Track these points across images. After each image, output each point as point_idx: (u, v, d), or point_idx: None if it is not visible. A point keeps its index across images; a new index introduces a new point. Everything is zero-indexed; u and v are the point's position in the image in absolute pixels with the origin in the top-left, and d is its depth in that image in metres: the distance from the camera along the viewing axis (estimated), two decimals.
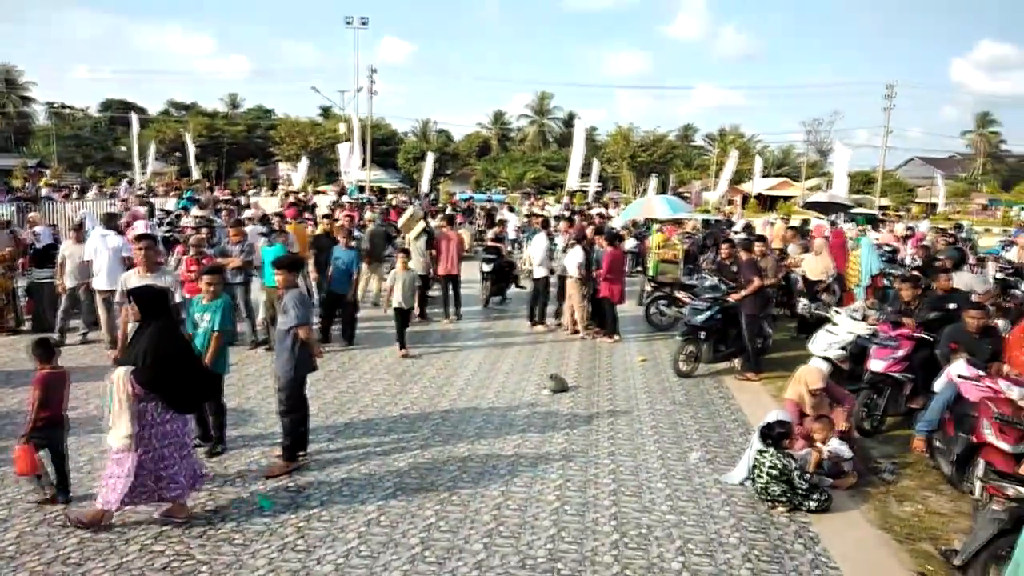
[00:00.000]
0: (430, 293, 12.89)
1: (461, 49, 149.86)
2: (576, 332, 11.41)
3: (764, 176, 53.23)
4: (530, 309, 12.04)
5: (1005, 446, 5.36)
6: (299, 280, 6.32)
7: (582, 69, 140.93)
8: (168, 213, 19.42)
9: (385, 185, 51.29)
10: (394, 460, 6.23)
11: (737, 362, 9.50)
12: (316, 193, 35.17)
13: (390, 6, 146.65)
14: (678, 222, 17.55)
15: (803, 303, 11.00)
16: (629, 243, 17.23)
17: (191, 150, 45.99)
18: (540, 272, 11.76)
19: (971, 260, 14.40)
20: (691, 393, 8.59)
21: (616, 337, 11.13)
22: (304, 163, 41.99)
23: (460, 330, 11.68)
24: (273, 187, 43.70)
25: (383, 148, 60.76)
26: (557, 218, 15.89)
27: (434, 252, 12.19)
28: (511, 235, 18.29)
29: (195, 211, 17.90)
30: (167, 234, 14.96)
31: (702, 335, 9.35)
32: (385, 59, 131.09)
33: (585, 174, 41.64)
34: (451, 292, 12.30)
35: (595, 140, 65.35)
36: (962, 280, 9.18)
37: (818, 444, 6.01)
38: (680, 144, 70.03)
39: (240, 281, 9.82)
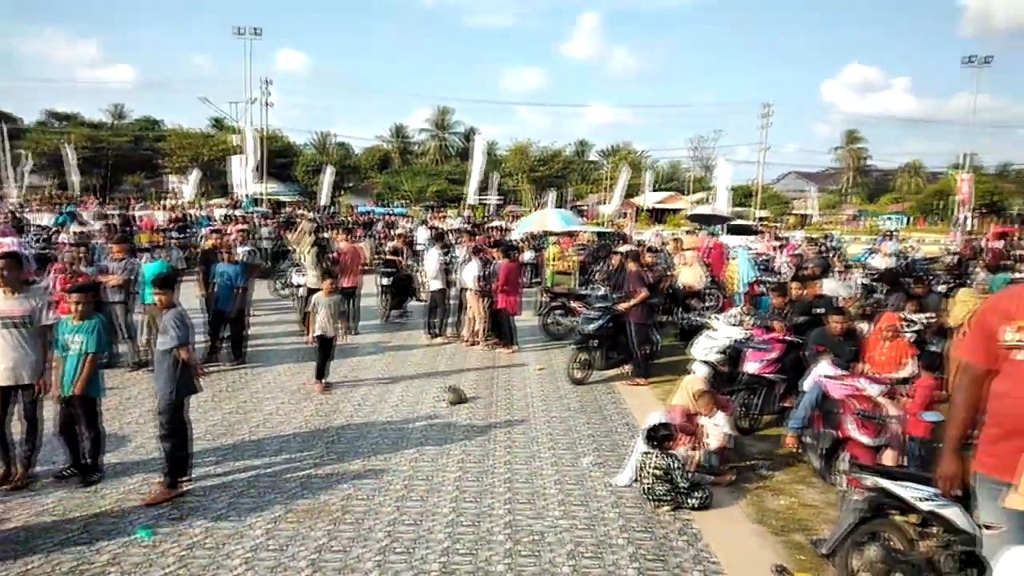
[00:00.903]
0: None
1: (361, 63, 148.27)
2: (475, 343, 11.49)
3: (655, 190, 55.49)
4: (427, 322, 12.03)
5: (866, 439, 5.83)
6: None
7: (483, 85, 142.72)
8: (44, 229, 18.15)
9: (282, 198, 49.84)
10: (284, 481, 6.06)
11: (628, 368, 9.85)
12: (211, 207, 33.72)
13: (288, 18, 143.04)
14: (572, 234, 18.03)
15: (680, 313, 11.54)
16: (527, 255, 17.54)
17: (71, 162, 43.05)
18: (436, 284, 11.78)
19: (839, 267, 15.55)
20: (584, 399, 8.83)
21: (514, 347, 11.29)
22: (195, 176, 40.22)
23: (358, 345, 11.51)
24: (161, 200, 41.59)
25: (280, 160, 59.06)
26: (458, 231, 15.95)
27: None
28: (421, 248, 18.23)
29: (74, 227, 16.81)
30: (42, 251, 14.03)
31: (594, 343, 9.65)
32: (283, 70, 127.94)
33: (486, 188, 42.02)
34: (351, 306, 12.10)
35: (495, 155, 66.07)
36: (828, 287, 9.91)
37: (706, 422, 6.42)
38: (576, 159, 71.96)
39: (120, 300, 9.29)
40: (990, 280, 12.18)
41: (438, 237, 12.66)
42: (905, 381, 6.51)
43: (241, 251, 11.35)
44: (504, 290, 11.01)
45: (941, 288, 12.61)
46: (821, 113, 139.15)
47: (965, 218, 36.64)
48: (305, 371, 9.63)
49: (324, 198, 40.48)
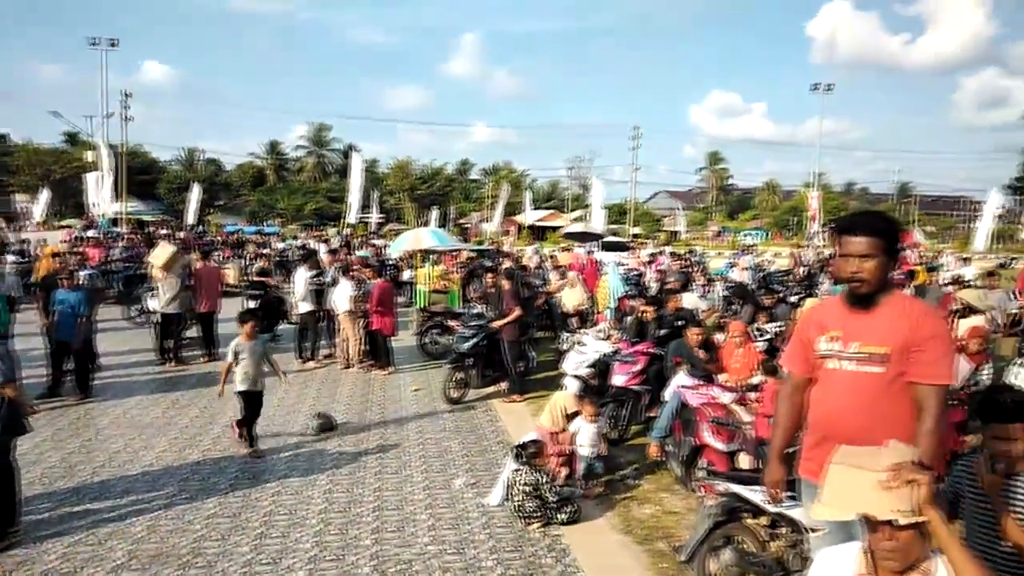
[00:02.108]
0: (189, 333, 11.93)
1: (232, 78, 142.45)
2: (349, 366, 11.16)
3: (535, 208, 56.63)
4: (298, 345, 11.57)
5: (720, 445, 6.10)
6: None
7: (364, 103, 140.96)
8: None
9: (145, 217, 46.85)
10: (129, 525, 5.58)
11: (504, 385, 9.88)
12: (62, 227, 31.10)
13: (152, 29, 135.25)
14: (455, 253, 18.03)
15: (564, 336, 11.69)
16: (406, 274, 17.33)
17: None
18: (305, 307, 11.37)
19: (702, 281, 16.39)
20: (460, 419, 8.76)
21: (390, 369, 11.07)
22: (45, 194, 37.03)
23: (220, 372, 10.86)
24: (9, 220, 37.89)
25: (142, 178, 55.49)
26: (333, 251, 15.51)
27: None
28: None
29: None
30: None
31: (470, 362, 9.62)
32: (146, 83, 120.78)
33: (367, 206, 41.34)
34: (208, 333, 11.46)
35: (376, 172, 65.28)
36: (688, 300, 10.40)
37: (585, 427, 6.55)
38: (458, 177, 72.31)
39: None
40: (833, 290, 13.21)
41: (306, 257, 12.22)
42: (756, 387, 6.88)
43: (82, 275, 10.47)
44: (379, 311, 10.78)
45: (793, 298, 13.55)
46: (688, 136, 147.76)
47: (816, 232, 39.76)
48: (159, 404, 9.00)
49: (191, 217, 38.37)
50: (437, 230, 18.03)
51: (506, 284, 9.89)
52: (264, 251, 18.38)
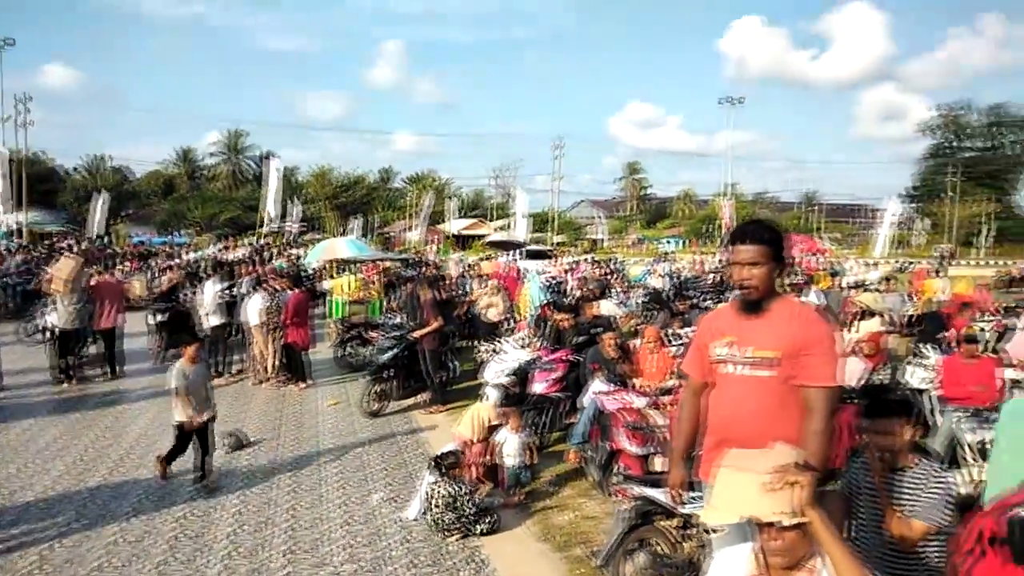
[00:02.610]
0: (91, 350, 11.33)
1: (142, 82, 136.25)
2: (263, 382, 10.81)
3: (460, 217, 56.58)
4: (207, 361, 11.11)
5: (635, 449, 6.21)
6: None
7: (283, 109, 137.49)
8: None
9: (48, 228, 44.25)
10: (19, 558, 5.21)
11: (425, 396, 9.78)
12: None
13: (53, 30, 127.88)
14: (376, 263, 17.78)
15: (484, 347, 11.66)
16: (326, 284, 16.95)
17: None
18: (215, 320, 10.95)
19: (621, 288, 16.74)
20: (379, 432, 8.61)
21: (306, 383, 10.78)
22: None
23: (124, 390, 10.35)
24: None
25: (43, 186, 52.32)
26: (242, 262, 15.01)
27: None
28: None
29: None
30: None
31: (390, 373, 9.48)
32: (46, 87, 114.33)
33: (286, 214, 40.32)
34: (113, 349, 10.89)
35: (295, 180, 63.72)
36: (605, 307, 10.59)
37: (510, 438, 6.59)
38: (381, 186, 71.48)
39: None
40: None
41: (215, 267, 11.77)
42: (669, 391, 7.05)
43: None
44: (294, 323, 10.49)
45: (707, 304, 13.99)
46: (609, 146, 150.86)
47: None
48: (56, 426, 8.48)
49: (96, 227, 36.45)
50: (354, 239, 17.77)
51: (426, 294, 9.81)
52: (173, 262, 17.58)
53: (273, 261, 19.02)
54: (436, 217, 52.23)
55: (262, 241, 32.16)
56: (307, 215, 53.92)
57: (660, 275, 19.35)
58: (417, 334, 9.47)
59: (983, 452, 6.14)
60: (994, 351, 8.63)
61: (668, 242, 54.44)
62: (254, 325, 10.59)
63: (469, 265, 17.66)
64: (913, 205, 66.04)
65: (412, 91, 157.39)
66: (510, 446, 6.62)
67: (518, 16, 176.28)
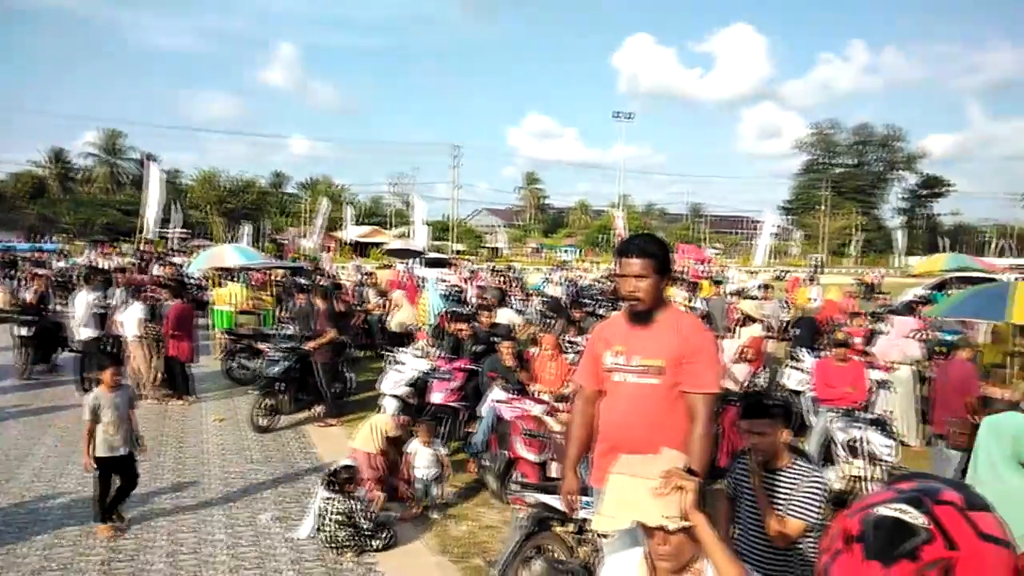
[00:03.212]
0: None
1: (8, 78, 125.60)
2: (142, 397, 10.12)
3: (357, 224, 55.43)
4: (79, 377, 10.33)
5: (532, 456, 6.26)
6: None
7: (168, 111, 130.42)
8: None
9: None
10: None
11: (319, 409, 9.47)
12: None
13: None
14: (266, 271, 17.10)
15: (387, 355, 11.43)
16: (211, 293, 16.12)
17: None
18: (87, 332, 10.18)
19: (520, 296, 16.90)
20: (269, 448, 8.25)
21: (190, 398, 10.21)
22: None
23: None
24: None
25: None
26: (121, 270, 14.05)
27: None
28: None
29: None
30: None
31: (281, 386, 9.12)
32: None
33: (168, 219, 38.20)
34: None
35: (179, 184, 60.54)
36: (505, 315, 10.64)
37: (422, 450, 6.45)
38: (272, 191, 69.07)
39: None
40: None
41: (89, 276, 10.93)
42: (566, 398, 7.15)
43: None
44: (175, 335, 9.91)
45: (602, 312, 14.33)
46: (508, 156, 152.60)
47: None
48: None
49: None
50: (243, 247, 17.01)
51: (320, 303, 9.52)
52: (41, 271, 16.22)
53: (153, 269, 17.94)
54: (332, 224, 50.94)
55: (142, 247, 30.29)
56: (193, 221, 51.35)
57: (556, 283, 19.66)
58: (310, 345, 9.17)
59: (854, 450, 6.59)
60: (864, 354, 9.29)
61: (566, 251, 55.54)
62: (131, 337, 9.92)
63: (367, 273, 17.27)
64: (789, 217, 70.45)
65: (308, 96, 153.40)
66: (421, 459, 6.51)
67: (418, 24, 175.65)
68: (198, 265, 15.58)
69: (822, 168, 74.95)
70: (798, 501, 3.31)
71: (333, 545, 5.53)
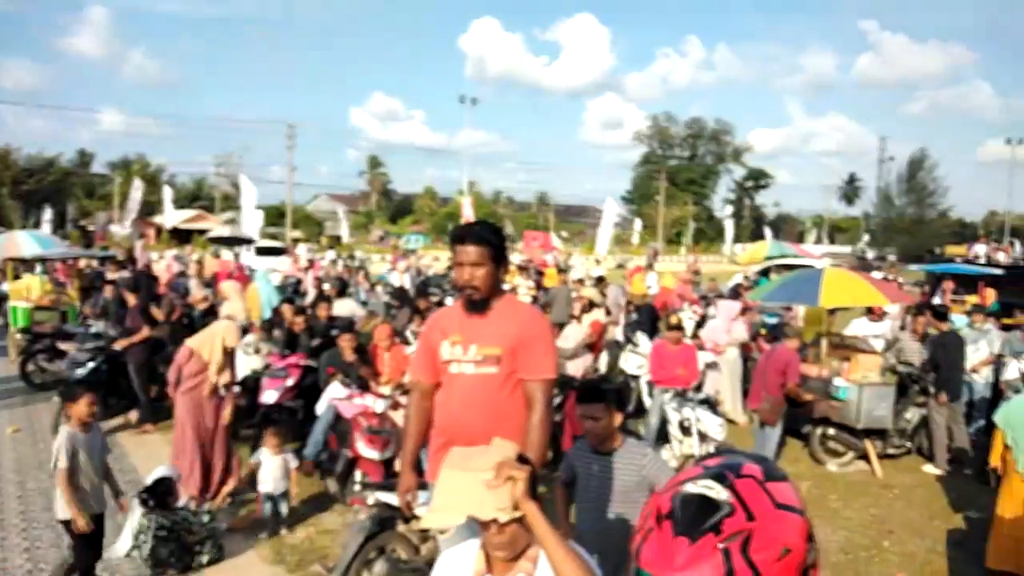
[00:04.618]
0: None
1: None
2: None
3: (179, 208, 51.22)
4: None
5: (375, 455, 5.99)
6: None
7: None
8: None
9: None
10: None
11: (133, 415, 8.59)
12: None
13: None
14: (70, 261, 15.34)
15: None
16: (5, 286, 14.18)
17: None
18: None
19: (365, 286, 16.38)
20: None
21: None
22: None
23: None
24: None
25: None
26: None
27: None
28: None
29: None
30: None
31: (88, 390, 8.14)
32: None
33: None
34: None
35: None
36: (345, 307, 10.20)
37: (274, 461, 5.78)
38: (78, 171, 62.22)
39: None
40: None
41: None
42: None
43: None
44: None
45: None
46: (351, 138, 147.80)
47: None
48: None
49: None
50: (40, 233, 15.14)
51: (131, 298, 8.60)
52: None
53: None
54: (149, 208, 46.76)
55: None
56: None
57: (402, 272, 19.26)
58: (121, 344, 8.27)
59: (686, 429, 6.95)
60: (694, 337, 9.86)
61: (413, 239, 54.92)
62: None
63: (193, 262, 15.97)
64: (629, 207, 74.20)
65: (122, 66, 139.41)
66: (268, 470, 5.66)
67: None
68: None
69: (658, 160, 79.48)
70: (633, 481, 3.41)
71: (154, 564, 4.99)
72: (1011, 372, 8.46)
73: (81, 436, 4.54)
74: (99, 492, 4.65)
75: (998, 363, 8.78)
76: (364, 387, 6.91)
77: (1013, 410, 5.27)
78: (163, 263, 17.21)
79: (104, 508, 4.68)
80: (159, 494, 5.22)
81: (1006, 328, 10.35)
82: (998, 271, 16.62)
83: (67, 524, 4.45)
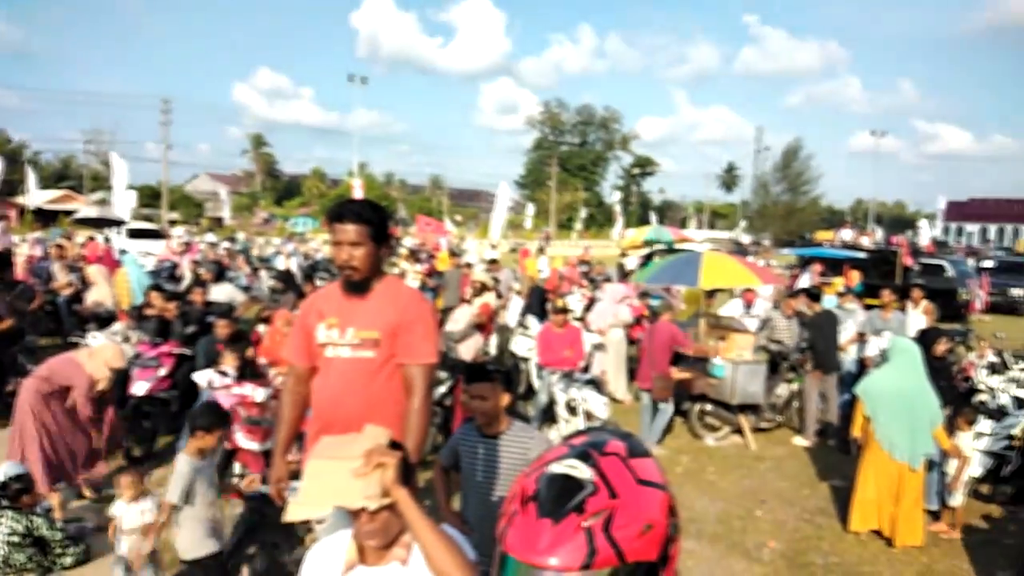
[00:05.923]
0: None
1: None
2: None
3: (44, 188, 47.21)
4: None
5: (255, 446, 5.78)
6: None
7: None
8: None
9: None
10: None
11: None
12: None
13: None
14: None
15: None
16: None
17: None
18: None
19: (246, 271, 15.67)
20: None
21: None
22: None
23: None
24: None
25: None
26: None
27: None
28: None
29: None
30: None
31: None
32: None
33: None
34: None
35: None
36: (224, 292, 9.73)
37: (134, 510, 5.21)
38: None
39: None
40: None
41: None
42: None
43: None
44: None
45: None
46: (234, 115, 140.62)
47: None
48: None
49: None
50: None
51: None
52: None
53: None
54: (11, 188, 42.82)
55: None
56: None
57: (288, 256, 18.56)
58: None
59: (572, 409, 7.11)
60: (580, 319, 10.08)
61: (300, 221, 53.02)
62: None
63: (56, 246, 14.72)
64: (523, 192, 74.81)
65: None
66: (129, 521, 4.54)
67: None
68: None
69: (551, 146, 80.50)
70: (519, 463, 3.40)
71: (10, 570, 4.59)
72: (872, 349, 9.10)
73: (201, 463, 4.25)
74: (218, 522, 4.33)
75: (861, 341, 9.47)
76: (252, 375, 6.62)
77: (871, 384, 5.73)
78: (24, 247, 15.76)
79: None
80: (13, 494, 4.81)
81: (868, 308, 11.22)
82: (862, 255, 18.01)
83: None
